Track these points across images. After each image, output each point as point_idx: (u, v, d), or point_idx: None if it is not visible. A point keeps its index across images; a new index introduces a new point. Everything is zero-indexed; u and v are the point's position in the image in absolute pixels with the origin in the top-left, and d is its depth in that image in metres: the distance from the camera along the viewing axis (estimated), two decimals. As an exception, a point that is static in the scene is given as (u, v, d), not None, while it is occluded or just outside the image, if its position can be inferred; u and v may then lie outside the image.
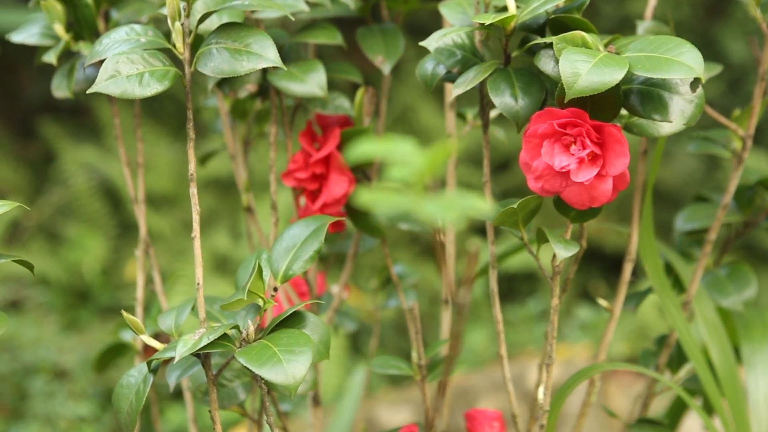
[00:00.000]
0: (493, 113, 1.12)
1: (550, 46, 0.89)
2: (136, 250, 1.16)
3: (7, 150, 3.50)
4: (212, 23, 0.98)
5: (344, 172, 1.06)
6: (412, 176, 0.47)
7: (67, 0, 1.06)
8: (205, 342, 0.89)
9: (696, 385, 1.13)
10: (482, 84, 0.92)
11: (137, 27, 0.94)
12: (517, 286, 3.46)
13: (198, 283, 0.95)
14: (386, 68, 1.06)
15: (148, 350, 1.19)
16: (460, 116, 1.10)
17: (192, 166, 0.94)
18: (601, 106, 0.87)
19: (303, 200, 1.13)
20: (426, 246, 3.07)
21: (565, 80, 0.82)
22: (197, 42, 0.94)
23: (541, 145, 0.87)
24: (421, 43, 0.92)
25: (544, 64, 0.88)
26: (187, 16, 0.92)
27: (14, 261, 0.92)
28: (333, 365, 2.64)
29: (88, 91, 0.91)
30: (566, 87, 0.82)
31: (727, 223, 1.11)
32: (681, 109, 0.86)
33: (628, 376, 2.66)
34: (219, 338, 0.90)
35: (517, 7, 0.90)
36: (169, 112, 3.70)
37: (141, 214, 1.14)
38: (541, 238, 0.91)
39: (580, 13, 0.89)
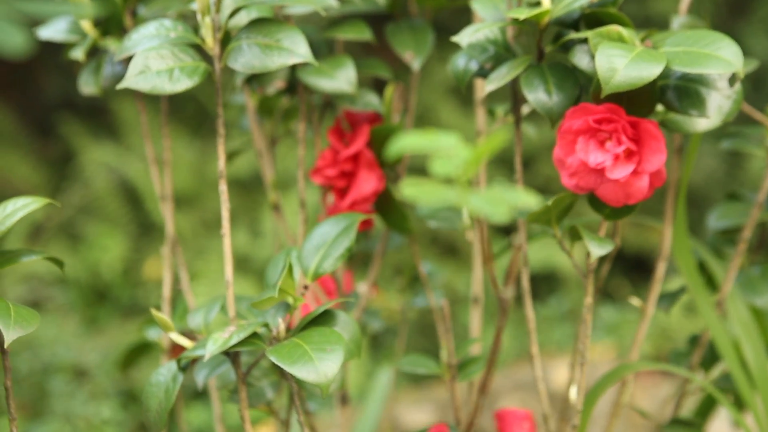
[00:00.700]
0: (524, 110, 1.11)
1: (585, 41, 0.87)
2: (162, 248, 1.15)
3: (26, 148, 3.51)
4: (241, 19, 0.97)
5: (374, 169, 1.05)
6: (457, 170, 0.46)
7: (94, -4, 1.05)
8: (235, 340, 0.88)
9: (727, 384, 1.11)
10: (515, 80, 0.91)
11: (167, 22, 0.94)
12: (537, 286, 3.45)
13: (227, 281, 0.94)
14: (416, 64, 1.05)
15: (174, 348, 1.18)
16: (491, 113, 1.09)
17: (221, 162, 0.94)
18: (637, 101, 0.86)
19: (330, 198, 1.12)
20: (446, 246, 3.06)
21: (602, 75, 0.81)
22: (226, 38, 0.93)
23: (575, 141, 0.86)
24: (453, 39, 0.91)
25: (579, 59, 0.87)
26: (217, 11, 0.92)
27: (45, 258, 0.92)
28: (353, 364, 2.63)
29: (117, 87, 0.90)
30: (603, 82, 0.81)
31: (761, 222, 1.10)
32: (718, 105, 0.85)
33: (651, 377, 2.64)
34: (249, 336, 0.89)
35: (551, 1, 0.89)
36: (187, 111, 3.71)
37: (168, 211, 1.14)
38: (575, 236, 0.90)
39: (616, 8, 0.88)
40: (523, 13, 0.86)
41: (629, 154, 0.85)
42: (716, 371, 1.08)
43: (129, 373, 3.15)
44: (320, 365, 0.84)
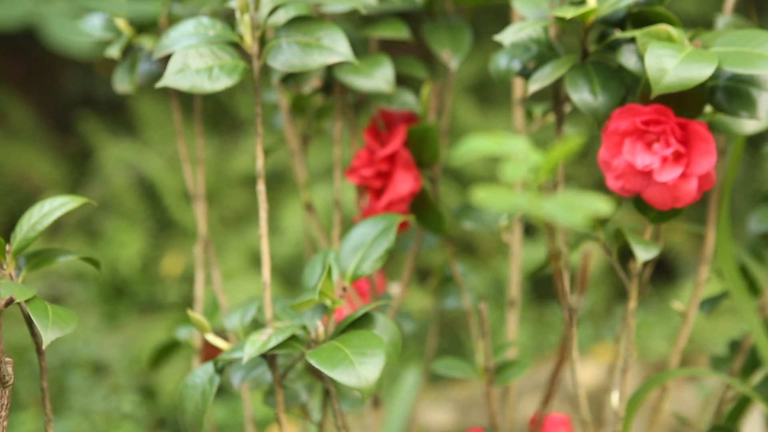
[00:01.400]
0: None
1: (631, 40, 0.86)
2: (195, 247, 1.14)
3: (45, 144, 3.51)
4: (279, 17, 0.96)
5: (410, 169, 1.03)
6: (528, 175, 0.45)
7: (128, -7, 1.04)
8: (273, 343, 0.87)
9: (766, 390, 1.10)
10: (557, 80, 0.90)
11: (205, 20, 0.92)
12: (551, 285, 3.43)
13: (264, 282, 0.93)
14: (453, 63, 1.04)
15: (205, 349, 1.17)
16: (528, 113, 1.08)
17: (260, 162, 0.92)
18: (685, 102, 0.84)
19: (364, 198, 1.10)
20: (462, 244, 3.04)
21: (651, 76, 0.79)
22: (263, 36, 0.92)
23: (622, 143, 0.84)
24: (496, 38, 0.90)
25: (626, 59, 0.85)
26: (256, 9, 0.90)
27: (80, 258, 0.91)
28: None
29: (157, 85, 0.89)
30: (652, 83, 0.79)
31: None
32: (769, 106, 0.83)
33: (675, 380, 2.62)
34: (287, 339, 0.88)
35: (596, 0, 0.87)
36: (204, 108, 3.70)
37: (200, 211, 1.13)
38: (619, 239, 0.89)
39: (663, 6, 0.86)
40: (570, 12, 0.84)
41: (677, 157, 0.83)
42: (759, 375, 1.06)
43: (147, 370, 3.14)
44: (361, 369, 0.83)
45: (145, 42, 1.05)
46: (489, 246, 3.35)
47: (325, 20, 0.90)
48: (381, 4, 1.04)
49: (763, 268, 1.08)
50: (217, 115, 3.67)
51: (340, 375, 0.83)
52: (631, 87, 0.88)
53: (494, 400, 1.02)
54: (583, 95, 0.87)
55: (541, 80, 0.88)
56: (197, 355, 1.15)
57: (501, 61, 0.92)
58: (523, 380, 2.70)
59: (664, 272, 3.29)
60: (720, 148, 1.04)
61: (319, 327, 0.89)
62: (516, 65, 0.92)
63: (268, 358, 0.92)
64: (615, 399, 0.92)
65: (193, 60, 0.88)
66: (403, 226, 1.07)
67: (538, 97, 1.13)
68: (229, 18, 0.98)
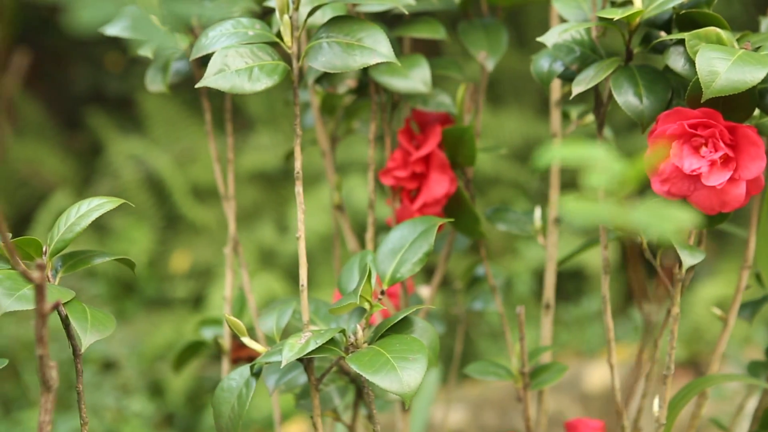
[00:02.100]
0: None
1: (678, 42, 0.85)
2: (225, 248, 1.13)
3: (55, 141, 3.49)
4: (317, 17, 0.95)
5: (446, 171, 1.02)
6: (613, 184, 0.44)
7: (161, -9, 1.03)
8: (312, 347, 0.86)
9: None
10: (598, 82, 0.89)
11: (244, 20, 0.91)
12: (563, 285, 3.42)
13: (302, 285, 0.92)
14: (490, 64, 1.03)
15: (235, 350, 1.16)
16: (565, 115, 1.07)
17: (298, 164, 0.91)
18: (734, 106, 0.83)
19: (395, 200, 1.09)
20: (473, 245, 3.03)
21: (702, 79, 0.78)
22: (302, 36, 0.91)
23: (669, 146, 0.83)
24: (539, 39, 0.89)
25: (674, 61, 0.84)
26: (296, 8, 0.89)
27: (116, 260, 0.89)
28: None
29: (196, 86, 0.88)
30: (703, 86, 0.78)
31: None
32: (818, 111, 0.82)
33: (686, 377, 2.61)
34: (325, 343, 0.87)
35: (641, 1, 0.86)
36: (213, 105, 3.68)
37: (231, 211, 1.12)
38: (663, 243, 0.88)
39: (710, 9, 0.85)
40: (617, 13, 0.83)
41: (726, 161, 0.82)
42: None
43: (156, 367, 3.14)
44: (403, 375, 0.82)
45: (178, 41, 1.04)
46: (498, 245, 3.34)
47: (366, 20, 0.89)
48: (418, 3, 1.02)
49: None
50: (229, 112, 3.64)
51: (382, 380, 0.82)
52: (676, 90, 0.87)
53: (529, 405, 1.01)
54: (628, 98, 0.86)
55: (585, 82, 0.87)
56: (227, 357, 1.14)
57: (543, 63, 0.91)
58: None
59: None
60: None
61: (358, 331, 0.88)
62: (558, 67, 0.90)
63: (304, 361, 0.91)
64: (656, 406, 0.91)
65: (233, 60, 0.87)
66: (439, 228, 1.06)
67: (565, 98, 1.12)
68: (261, 18, 0.96)
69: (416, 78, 0.98)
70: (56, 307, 0.66)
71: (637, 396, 1.17)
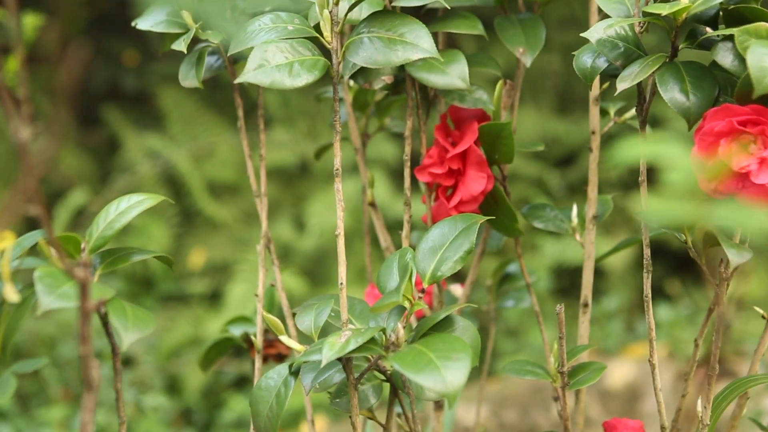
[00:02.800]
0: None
1: (726, 38, 0.83)
2: (258, 245, 1.12)
3: (72, 137, 3.49)
4: (353, 13, 0.94)
5: (483, 168, 1.01)
6: (691, 183, 0.43)
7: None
8: (353, 346, 0.85)
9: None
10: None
11: (283, 15, 0.90)
12: (580, 282, 3.40)
13: (341, 283, 0.91)
14: (528, 60, 1.01)
15: (266, 348, 1.15)
16: (603, 112, 1.05)
17: (337, 160, 0.90)
18: (783, 103, 0.81)
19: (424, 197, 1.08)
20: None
21: (754, 75, 0.77)
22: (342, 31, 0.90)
23: (716, 143, 0.82)
24: (583, 35, 0.88)
25: (722, 57, 0.83)
26: (336, 3, 0.88)
27: (154, 257, 0.88)
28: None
29: (235, 81, 0.87)
30: (755, 82, 0.77)
31: None
32: None
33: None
34: (366, 342, 0.86)
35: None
36: (229, 101, 3.67)
37: (263, 208, 1.11)
38: (709, 242, 0.86)
39: (758, 4, 0.84)
40: (665, 9, 0.82)
41: (775, 158, 0.81)
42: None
43: (172, 362, 3.13)
44: (447, 374, 0.81)
45: (211, 36, 1.03)
46: (511, 242, 3.33)
47: (408, 16, 0.88)
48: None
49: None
50: (247, 111, 3.63)
51: (426, 380, 0.81)
52: (723, 86, 0.86)
53: (568, 406, 1.00)
54: (674, 94, 0.84)
55: (630, 79, 0.85)
56: (259, 355, 1.13)
57: (585, 59, 0.90)
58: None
59: (695, 273, 3.26)
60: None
61: (399, 330, 0.87)
62: (602, 63, 0.89)
63: (342, 360, 0.90)
64: (699, 406, 0.90)
65: (273, 55, 0.86)
66: (475, 226, 1.05)
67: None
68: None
69: (454, 74, 0.96)
70: (100, 305, 0.65)
71: (678, 396, 1.16)
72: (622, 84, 0.86)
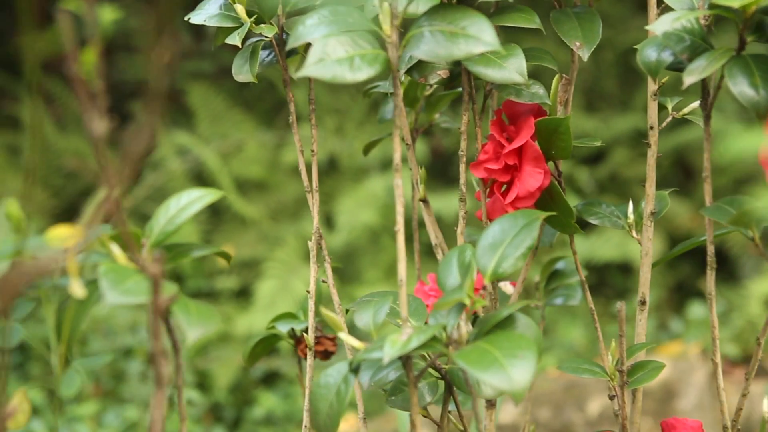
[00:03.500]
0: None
1: (798, 31, 0.82)
2: (310, 241, 1.11)
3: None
4: (414, 5, 0.92)
5: (540, 164, 1.00)
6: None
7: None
8: (415, 344, 0.84)
9: None
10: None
11: (341, 8, 0.89)
12: (611, 276, 3.38)
13: (400, 280, 0.90)
14: (585, 54, 1.00)
15: (316, 344, 1.14)
16: (662, 107, 1.04)
17: (397, 156, 0.89)
18: None
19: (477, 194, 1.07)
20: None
21: (829, 69, 0.75)
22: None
23: (790, 138, 0.80)
24: (648, 27, 0.86)
25: (795, 51, 0.81)
26: (396, -4, 0.87)
27: (214, 253, 0.88)
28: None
29: (296, 76, 0.86)
30: (830, 76, 0.75)
31: None
32: None
33: (742, 374, 2.57)
34: (428, 340, 0.85)
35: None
36: (257, 98, 3.68)
37: (314, 204, 1.10)
38: (776, 239, 0.85)
39: (830, -4, 0.82)
40: (736, 1, 0.80)
41: None
42: None
43: (200, 359, 3.13)
44: (513, 372, 0.80)
45: (265, 30, 1.02)
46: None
47: (469, 8, 0.87)
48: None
49: None
50: (275, 108, 3.64)
51: (492, 378, 0.80)
52: (792, 80, 0.84)
53: (626, 405, 0.99)
54: (743, 88, 0.83)
55: (698, 72, 0.84)
56: (311, 352, 1.12)
57: (650, 53, 0.89)
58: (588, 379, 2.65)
59: (725, 272, 3.23)
60: None
61: (461, 327, 0.86)
62: (667, 56, 0.88)
63: (402, 358, 0.89)
64: (766, 406, 0.88)
65: (333, 49, 0.85)
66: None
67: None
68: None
69: (512, 68, 0.95)
70: (172, 300, 0.65)
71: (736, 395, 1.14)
72: (690, 78, 0.84)
